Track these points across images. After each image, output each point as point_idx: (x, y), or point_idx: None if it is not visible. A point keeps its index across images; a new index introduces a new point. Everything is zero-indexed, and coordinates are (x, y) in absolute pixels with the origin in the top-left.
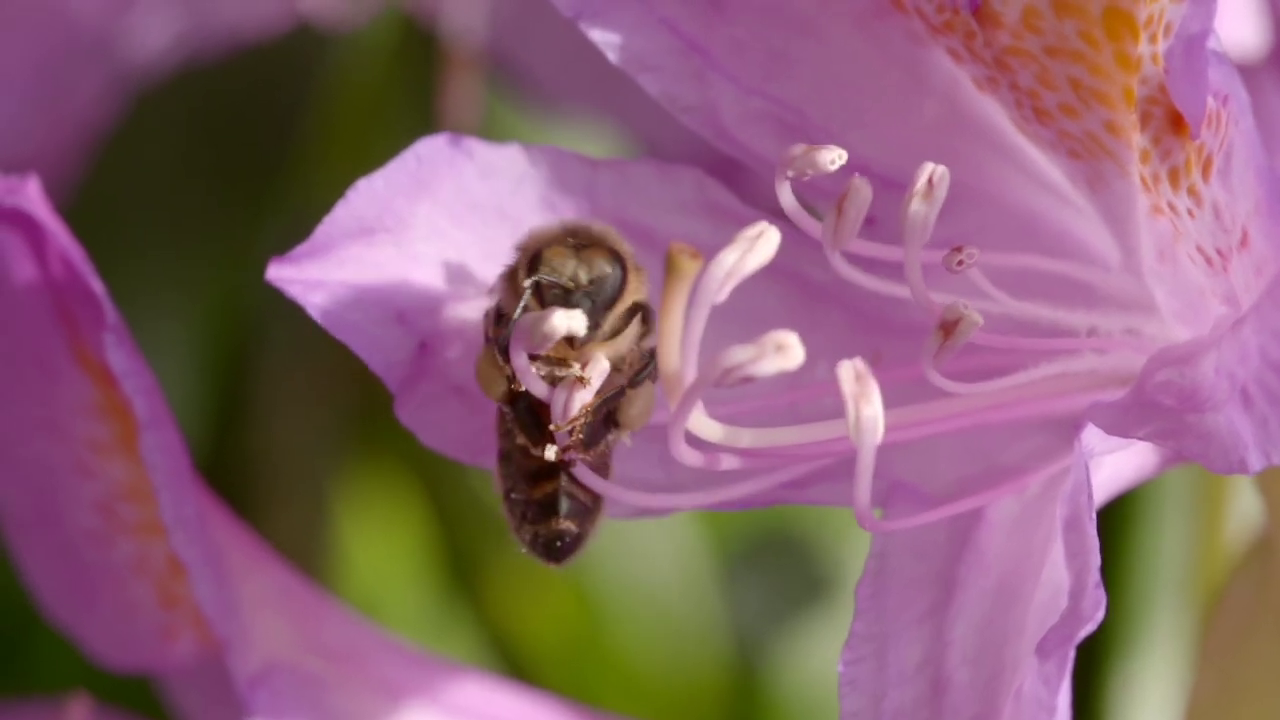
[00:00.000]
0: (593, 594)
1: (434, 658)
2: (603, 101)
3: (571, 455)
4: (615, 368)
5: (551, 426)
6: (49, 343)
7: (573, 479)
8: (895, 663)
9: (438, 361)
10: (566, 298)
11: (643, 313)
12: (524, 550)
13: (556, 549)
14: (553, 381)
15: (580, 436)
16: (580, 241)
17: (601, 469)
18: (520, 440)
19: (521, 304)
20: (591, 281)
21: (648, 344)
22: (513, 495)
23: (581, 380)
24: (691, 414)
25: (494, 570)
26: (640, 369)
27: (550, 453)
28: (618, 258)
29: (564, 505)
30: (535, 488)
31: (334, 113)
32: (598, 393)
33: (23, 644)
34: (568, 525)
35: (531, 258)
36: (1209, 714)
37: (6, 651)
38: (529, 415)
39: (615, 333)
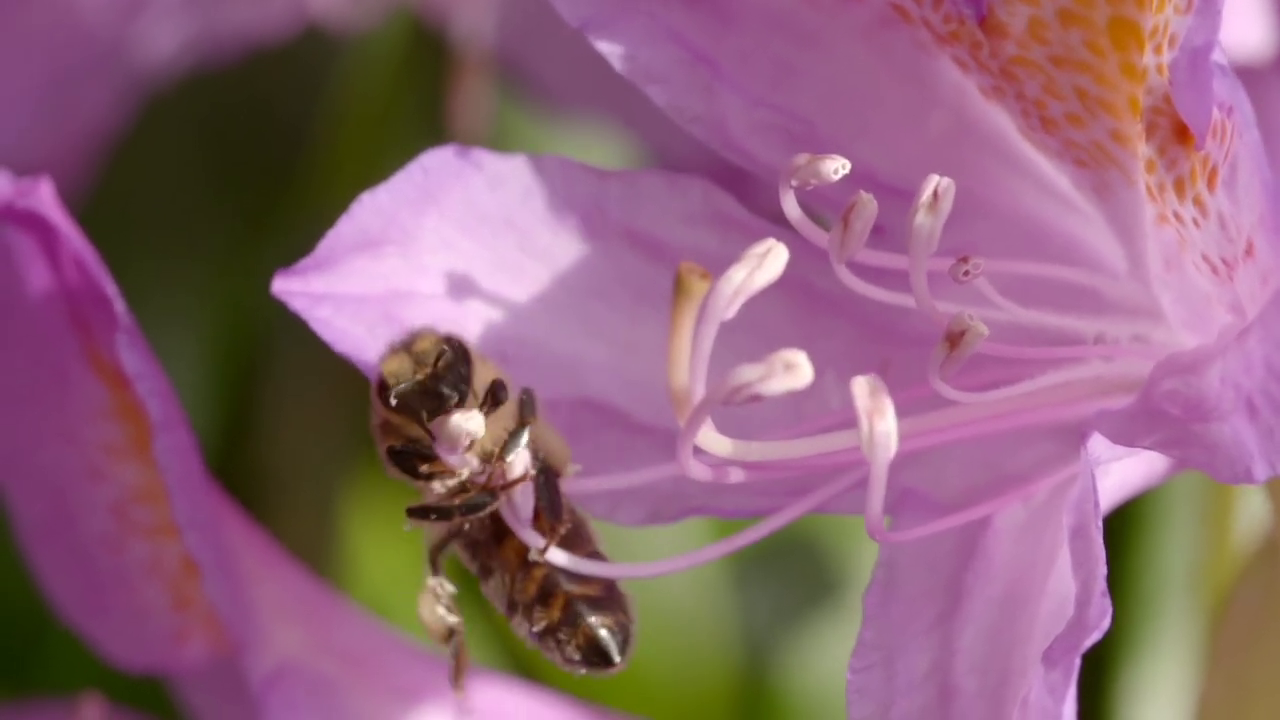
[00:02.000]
0: None
1: (446, 660)
2: (611, 107)
3: (557, 529)
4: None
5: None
6: (62, 346)
7: (571, 579)
8: (903, 671)
9: None
10: (425, 393)
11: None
12: (583, 673)
13: (605, 649)
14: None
15: (543, 507)
16: (404, 344)
17: (585, 542)
18: (510, 588)
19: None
20: (436, 363)
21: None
22: (538, 632)
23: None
24: (700, 430)
25: None
26: (521, 411)
27: (534, 549)
28: (444, 338)
29: (582, 607)
30: (549, 611)
31: (343, 118)
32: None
33: (36, 646)
34: (598, 623)
35: (379, 390)
36: (1218, 717)
37: (20, 653)
38: (487, 548)
39: (493, 402)
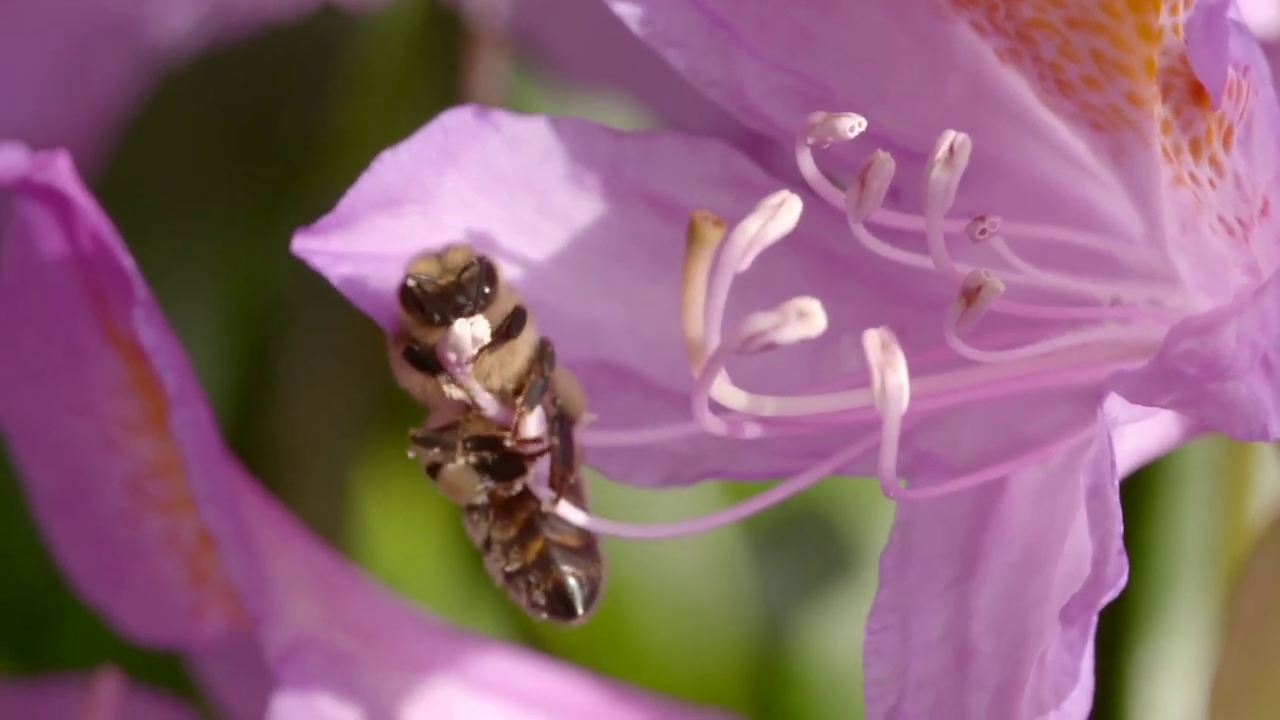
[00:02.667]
0: (616, 573)
1: (462, 633)
2: (626, 79)
3: (568, 480)
4: (526, 370)
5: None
6: (79, 320)
7: (553, 527)
8: (920, 632)
9: None
10: (444, 295)
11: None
12: (544, 618)
13: (570, 598)
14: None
15: (555, 443)
16: (436, 252)
17: (582, 500)
18: (491, 524)
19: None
20: (461, 273)
21: (533, 339)
22: (509, 572)
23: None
24: (715, 382)
25: None
26: (540, 360)
27: (546, 500)
28: (477, 254)
29: (557, 554)
30: (524, 553)
31: (358, 93)
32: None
33: (51, 622)
34: (570, 572)
35: (401, 291)
36: (1234, 688)
37: (36, 629)
38: (503, 466)
39: (509, 327)
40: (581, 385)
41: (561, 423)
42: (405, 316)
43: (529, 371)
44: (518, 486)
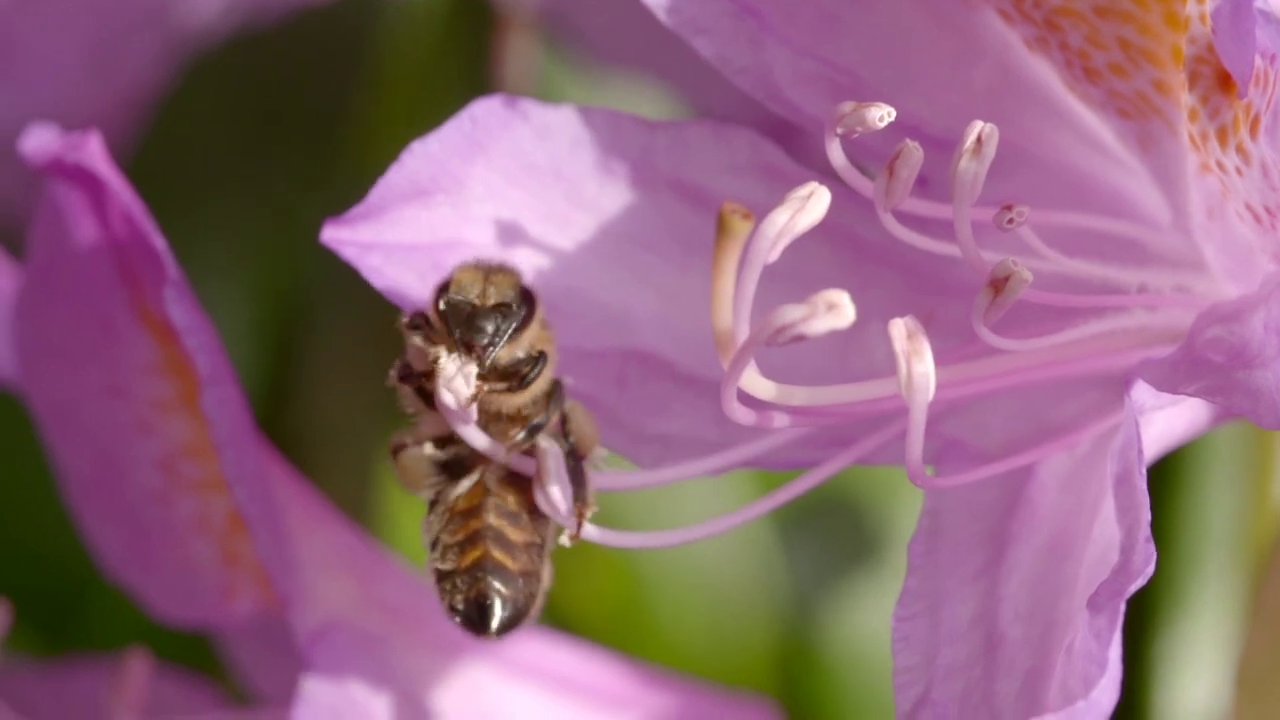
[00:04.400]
0: (643, 558)
1: None
2: (655, 64)
3: (583, 513)
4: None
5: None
6: (111, 301)
7: (500, 547)
8: (948, 619)
9: None
10: (471, 318)
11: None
12: (457, 623)
13: (488, 612)
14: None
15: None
16: (492, 270)
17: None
18: (444, 525)
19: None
20: (499, 305)
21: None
22: (442, 570)
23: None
24: (744, 372)
25: None
26: (547, 398)
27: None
28: (526, 293)
29: (491, 568)
30: (462, 558)
31: (388, 77)
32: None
33: (81, 602)
34: (496, 588)
35: (439, 288)
36: (1260, 671)
37: (66, 609)
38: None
39: (520, 378)
40: (611, 384)
41: (574, 457)
42: (429, 314)
43: (534, 405)
44: (463, 486)
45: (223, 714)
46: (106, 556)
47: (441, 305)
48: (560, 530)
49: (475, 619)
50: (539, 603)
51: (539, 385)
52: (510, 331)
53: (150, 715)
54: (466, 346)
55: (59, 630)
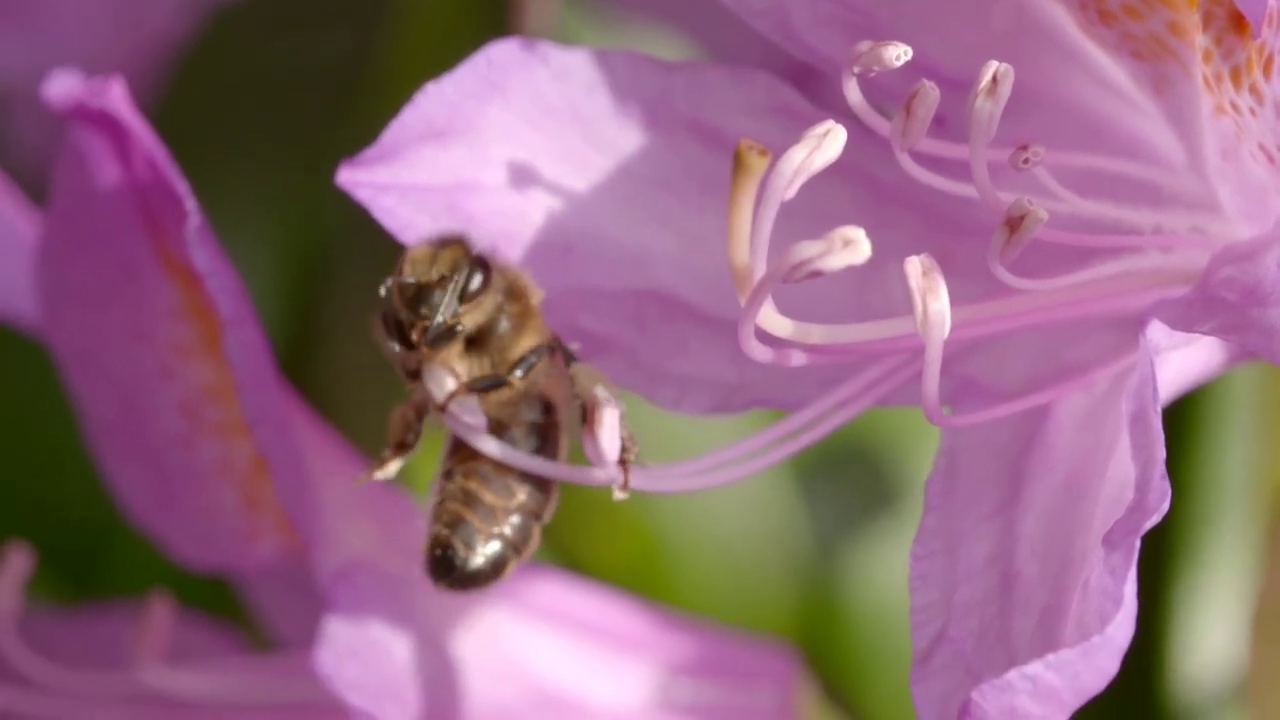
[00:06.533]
0: (663, 505)
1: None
2: (673, 10)
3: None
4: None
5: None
6: (133, 245)
7: (476, 511)
8: (965, 557)
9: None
10: (416, 296)
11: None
12: (420, 564)
13: (446, 563)
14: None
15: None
16: (442, 245)
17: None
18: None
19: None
20: (442, 278)
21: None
22: (434, 503)
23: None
24: (762, 310)
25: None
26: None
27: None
28: (477, 260)
29: (468, 520)
30: (445, 501)
31: (409, 28)
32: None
33: (104, 547)
34: (461, 540)
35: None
36: (1277, 615)
37: (89, 554)
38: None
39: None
40: (630, 324)
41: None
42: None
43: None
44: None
45: (245, 658)
46: (129, 501)
47: (384, 291)
48: (543, 501)
49: (433, 564)
50: (512, 564)
51: (533, 337)
52: (453, 302)
53: (173, 660)
54: (413, 326)
55: (82, 576)
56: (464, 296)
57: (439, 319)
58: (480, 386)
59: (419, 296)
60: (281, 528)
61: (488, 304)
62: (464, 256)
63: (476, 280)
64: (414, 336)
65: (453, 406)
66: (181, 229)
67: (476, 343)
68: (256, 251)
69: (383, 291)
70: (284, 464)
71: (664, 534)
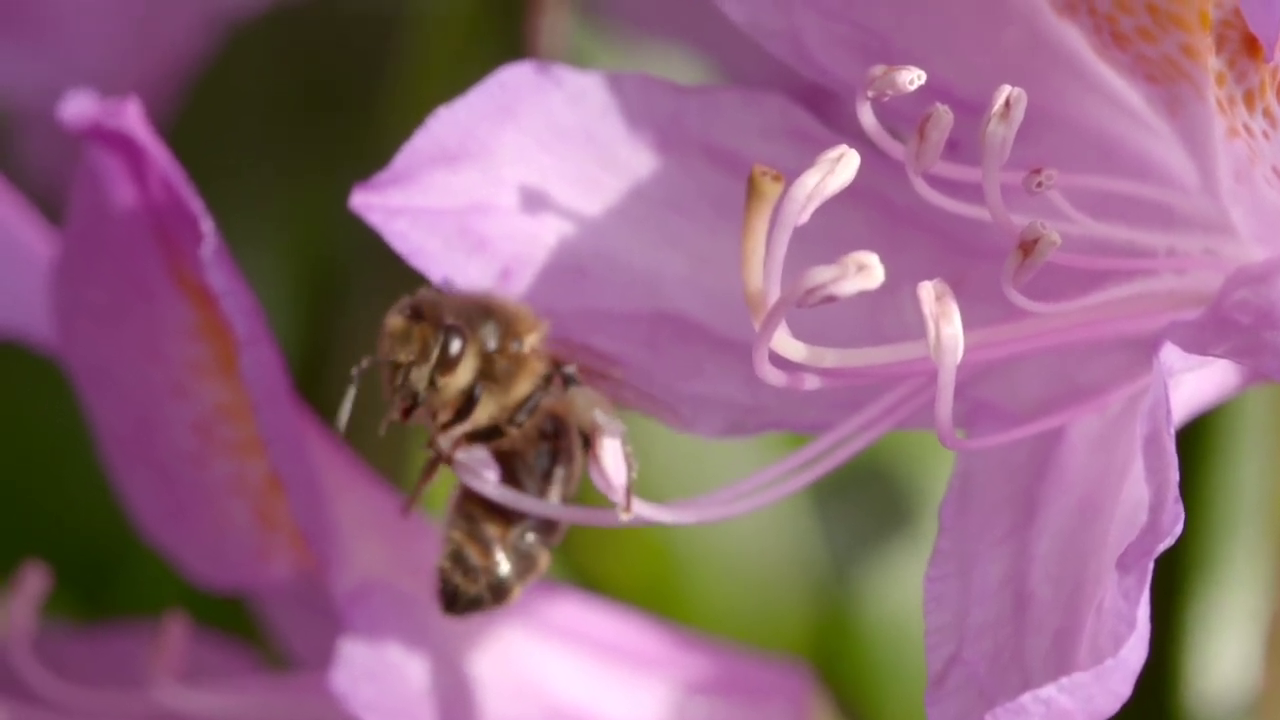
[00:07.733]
0: (677, 533)
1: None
2: (687, 32)
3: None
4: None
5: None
6: (148, 265)
7: (473, 541)
8: (979, 580)
9: (518, 288)
10: (394, 374)
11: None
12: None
13: (443, 591)
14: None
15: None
16: (416, 315)
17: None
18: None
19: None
20: (416, 356)
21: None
22: (445, 530)
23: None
24: (776, 334)
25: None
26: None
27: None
28: (453, 329)
29: (458, 552)
30: (453, 530)
31: (422, 46)
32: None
33: (118, 565)
34: (455, 571)
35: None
36: None
37: (103, 573)
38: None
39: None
40: (643, 347)
41: (587, 444)
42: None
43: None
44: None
45: (260, 677)
46: (143, 520)
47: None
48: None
49: (439, 599)
50: (516, 590)
51: (515, 388)
52: (431, 376)
53: (188, 678)
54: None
55: (96, 594)
56: (442, 366)
57: (421, 394)
58: (478, 438)
59: (395, 377)
60: (295, 546)
61: (470, 362)
62: (435, 329)
63: (454, 347)
64: (398, 417)
65: (459, 456)
66: (197, 249)
67: (479, 380)
68: (270, 269)
69: (354, 371)
70: (299, 483)
71: (678, 552)
